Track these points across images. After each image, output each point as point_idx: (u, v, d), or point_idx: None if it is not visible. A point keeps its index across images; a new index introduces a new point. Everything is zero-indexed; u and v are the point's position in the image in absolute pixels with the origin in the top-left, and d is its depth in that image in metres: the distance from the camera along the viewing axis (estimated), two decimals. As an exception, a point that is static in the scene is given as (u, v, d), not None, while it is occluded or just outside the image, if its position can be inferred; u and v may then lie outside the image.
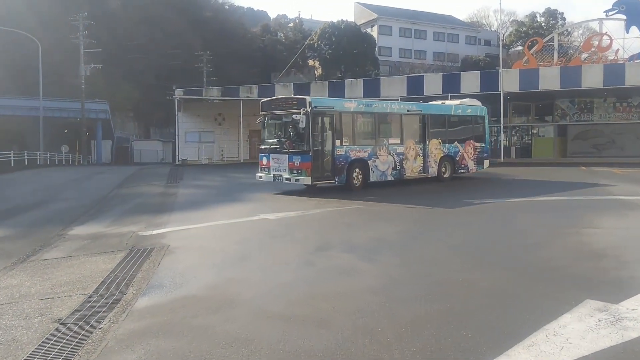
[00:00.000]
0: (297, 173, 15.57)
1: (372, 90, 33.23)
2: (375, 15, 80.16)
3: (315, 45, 69.37)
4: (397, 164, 17.53)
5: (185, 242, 9.90)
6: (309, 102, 15.52)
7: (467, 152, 19.93)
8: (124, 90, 56.57)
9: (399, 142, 17.80)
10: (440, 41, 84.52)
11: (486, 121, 21.20)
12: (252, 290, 6.57)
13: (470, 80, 31.74)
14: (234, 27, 69.66)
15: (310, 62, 72.00)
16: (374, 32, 78.36)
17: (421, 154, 18.37)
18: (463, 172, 20.08)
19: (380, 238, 9.58)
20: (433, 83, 32.30)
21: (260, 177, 16.76)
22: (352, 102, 17.65)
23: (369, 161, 16.73)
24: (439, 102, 21.33)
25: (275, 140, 16.57)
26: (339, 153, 16.08)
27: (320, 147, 15.82)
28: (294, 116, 15.38)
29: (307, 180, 15.52)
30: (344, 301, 5.99)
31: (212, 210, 13.38)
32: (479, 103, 21.62)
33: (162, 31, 58.18)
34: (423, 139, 18.50)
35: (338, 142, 16.15)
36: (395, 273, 7.21)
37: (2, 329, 5.61)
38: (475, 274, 7.04)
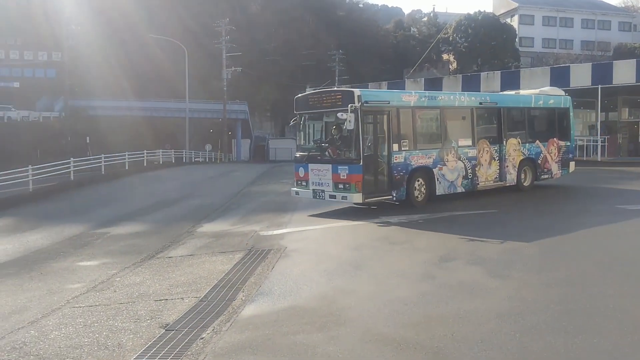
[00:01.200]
0: (344, 188, 12.06)
1: (510, 83, 30.89)
2: (515, 5, 75.37)
3: (450, 38, 66.98)
4: (469, 171, 14.00)
5: (302, 245, 9.64)
6: (358, 97, 12.01)
7: (551, 153, 16.24)
8: (262, 91, 59.12)
9: (470, 143, 14.23)
10: (589, 29, 77.14)
11: (571, 114, 17.37)
12: (361, 305, 6.03)
13: (625, 70, 28.22)
14: (366, 24, 69.73)
15: (445, 56, 69.67)
16: (514, 22, 73.70)
17: (497, 158, 14.79)
18: (546, 178, 16.31)
19: (514, 249, 8.52)
20: (580, 74, 29.24)
21: (297, 192, 13.36)
22: (412, 94, 14.10)
23: (434, 169, 13.19)
24: (513, 92, 17.54)
25: (314, 145, 13.31)
26: (397, 160, 12.54)
27: (373, 154, 12.41)
28: (338, 115, 11.86)
29: (357, 197, 11.96)
30: (465, 327, 5.21)
31: (333, 210, 13.05)
32: (562, 92, 17.86)
33: (298, 33, 59.87)
34: (499, 139, 14.93)
35: (395, 147, 12.56)
36: (530, 294, 6.22)
37: (112, 332, 5.66)
38: (628, 299, 5.84)
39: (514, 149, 15.26)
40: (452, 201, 13.55)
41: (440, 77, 40.66)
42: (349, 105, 11.72)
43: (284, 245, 9.48)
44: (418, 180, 12.98)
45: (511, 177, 15.13)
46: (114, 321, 6.00)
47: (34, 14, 50.42)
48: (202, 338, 5.30)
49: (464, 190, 14.02)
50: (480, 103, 14.91)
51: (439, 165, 13.36)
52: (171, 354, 4.97)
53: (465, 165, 13.94)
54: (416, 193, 13.00)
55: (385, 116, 12.67)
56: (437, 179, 13.29)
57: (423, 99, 13.83)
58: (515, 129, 15.57)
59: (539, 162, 15.91)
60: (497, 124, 15.08)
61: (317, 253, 9.00)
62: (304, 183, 13.06)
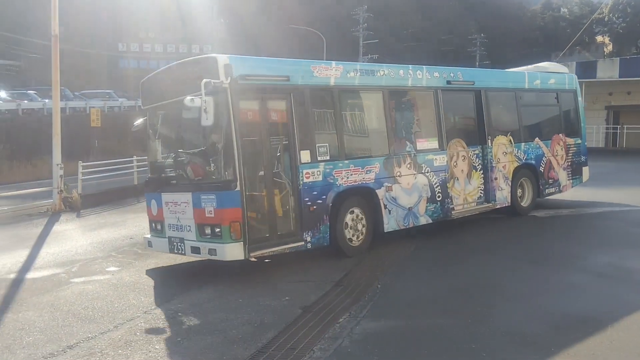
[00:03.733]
0: (213, 234, 7.11)
1: (679, 66, 27.51)
2: (688, -24, 66.52)
3: (606, 19, 60.93)
4: (437, 189, 9.26)
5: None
6: (226, 67, 7.04)
7: (557, 156, 11.62)
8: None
9: (436, 146, 9.46)
10: None
11: (579, 98, 12.66)
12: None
13: None
14: (510, 6, 65.94)
15: (599, 38, 63.68)
16: (686, -4, 65.15)
17: (479, 167, 10.08)
18: (552, 193, 11.57)
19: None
20: None
21: (149, 243, 8.21)
22: (333, 66, 8.33)
23: (378, 190, 8.44)
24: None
25: (171, 161, 8.11)
26: (310, 179, 7.64)
27: (264, 170, 7.38)
28: (186, 101, 6.82)
29: (232, 250, 6.96)
30: None
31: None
32: (564, 68, 13.28)
33: (435, 18, 58.38)
34: (481, 137, 10.24)
35: (305, 155, 7.65)
36: None
37: (255, 310, 5.99)
38: None
39: (505, 151, 10.50)
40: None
41: (594, 60, 37.23)
42: (204, 82, 6.78)
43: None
44: (351, 212, 8.13)
45: (502, 195, 10.36)
46: (261, 299, 6.37)
47: (186, 9, 54.50)
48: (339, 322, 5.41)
49: (430, 221, 9.16)
50: (449, 82, 9.86)
51: (386, 184, 8.50)
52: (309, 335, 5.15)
53: (430, 180, 9.14)
54: (349, 233, 8.06)
55: (284, 103, 7.61)
56: (385, 205, 8.47)
57: (352, 73, 8.52)
58: (504, 121, 10.91)
59: (542, 169, 11.21)
60: (476, 114, 10.29)
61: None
62: (158, 226, 8.02)
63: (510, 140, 10.68)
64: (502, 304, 5.89)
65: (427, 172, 9.18)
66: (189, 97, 6.76)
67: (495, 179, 10.30)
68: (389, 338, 5.04)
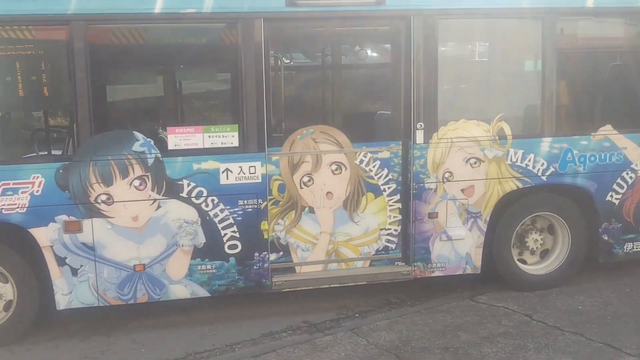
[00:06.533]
0: None
1: None
2: None
3: None
4: (229, 231, 4.31)
5: None
6: None
7: None
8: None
9: (234, 140, 4.23)
10: None
11: None
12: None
13: None
14: None
15: None
16: None
17: (386, 188, 4.57)
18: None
19: None
20: None
21: None
22: None
23: (35, 229, 4.04)
24: None
25: None
26: None
27: None
28: None
29: None
30: None
31: None
32: None
33: None
34: (399, 123, 4.56)
35: None
36: None
37: None
38: None
39: (473, 157, 4.58)
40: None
41: None
42: None
43: None
44: None
45: (455, 250, 4.69)
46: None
47: None
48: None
49: (208, 294, 4.41)
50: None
51: (64, 218, 4.07)
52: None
53: (207, 214, 4.27)
54: None
55: None
56: (61, 258, 4.12)
57: None
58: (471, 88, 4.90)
59: (612, 199, 4.85)
60: (393, 72, 4.65)
61: None
62: None
63: (494, 131, 4.63)
64: None
65: (201, 197, 4.29)
66: None
67: (432, 214, 4.64)
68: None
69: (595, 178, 4.80)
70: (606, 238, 4.92)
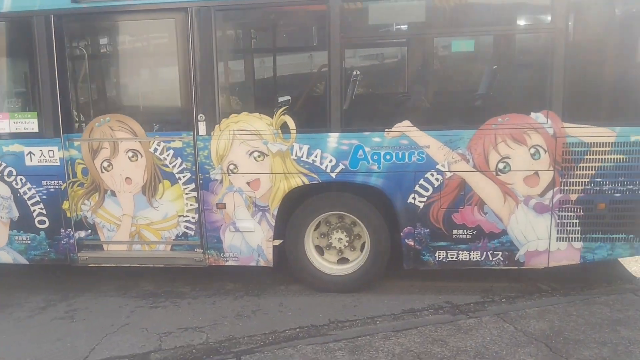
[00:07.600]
0: None
1: None
2: None
3: None
4: (37, 207, 4.76)
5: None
6: None
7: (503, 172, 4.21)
8: None
9: (33, 126, 4.65)
10: None
11: None
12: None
13: None
14: None
15: None
16: None
17: (181, 176, 4.62)
18: (463, 261, 4.40)
19: None
20: None
21: None
22: None
23: None
24: None
25: None
26: None
27: None
28: None
29: None
30: None
31: None
32: None
33: None
34: (187, 114, 4.51)
35: None
36: None
37: None
38: None
39: (255, 150, 4.51)
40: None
41: None
42: None
43: None
44: None
45: (245, 240, 4.71)
46: None
47: None
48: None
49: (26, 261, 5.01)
50: None
51: None
52: None
53: (15, 196, 4.88)
54: None
55: None
56: None
57: None
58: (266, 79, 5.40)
59: (415, 201, 4.42)
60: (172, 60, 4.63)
61: None
62: None
63: (277, 125, 4.55)
64: None
65: (12, 177, 4.89)
66: None
67: (220, 205, 4.75)
68: None
69: (393, 178, 4.45)
70: (411, 243, 4.55)
